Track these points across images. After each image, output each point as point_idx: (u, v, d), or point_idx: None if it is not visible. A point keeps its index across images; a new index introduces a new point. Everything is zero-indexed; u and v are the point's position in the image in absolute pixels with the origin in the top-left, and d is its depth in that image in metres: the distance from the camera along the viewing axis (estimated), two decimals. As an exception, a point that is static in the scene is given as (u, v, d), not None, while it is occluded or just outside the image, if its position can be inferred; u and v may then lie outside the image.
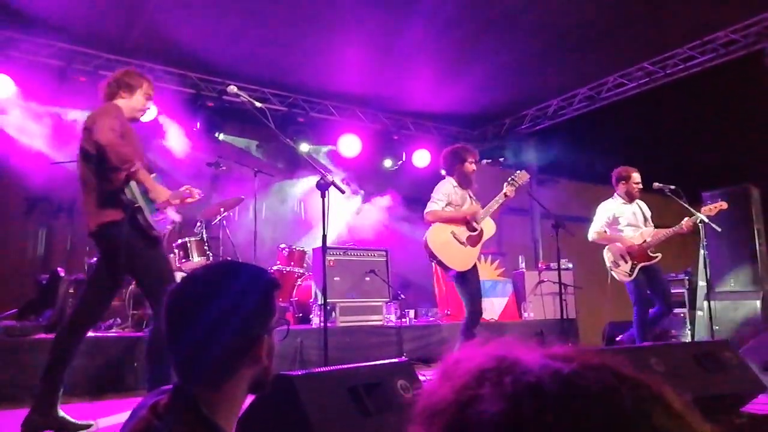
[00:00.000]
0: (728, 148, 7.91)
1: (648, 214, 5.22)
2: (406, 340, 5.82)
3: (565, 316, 5.57)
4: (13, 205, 6.23)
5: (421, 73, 7.13)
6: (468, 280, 4.27)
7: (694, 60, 6.75)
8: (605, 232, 5.15)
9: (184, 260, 5.60)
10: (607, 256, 5.11)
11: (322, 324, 3.68)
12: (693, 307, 6.82)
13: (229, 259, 5.86)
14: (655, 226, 5.13)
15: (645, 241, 4.99)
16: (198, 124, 7.02)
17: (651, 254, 4.97)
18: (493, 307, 7.19)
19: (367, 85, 7.37)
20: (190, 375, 1.16)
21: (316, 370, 2.27)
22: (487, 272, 7.57)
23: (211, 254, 5.68)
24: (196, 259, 5.58)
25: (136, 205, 2.99)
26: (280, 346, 1.30)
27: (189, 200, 3.22)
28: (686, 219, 4.92)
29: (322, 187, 3.32)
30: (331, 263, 5.77)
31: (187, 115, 6.83)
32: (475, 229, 4.36)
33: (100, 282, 3.14)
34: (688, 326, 6.83)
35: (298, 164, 7.73)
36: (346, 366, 2.38)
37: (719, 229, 4.99)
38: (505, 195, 4.41)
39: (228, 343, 1.15)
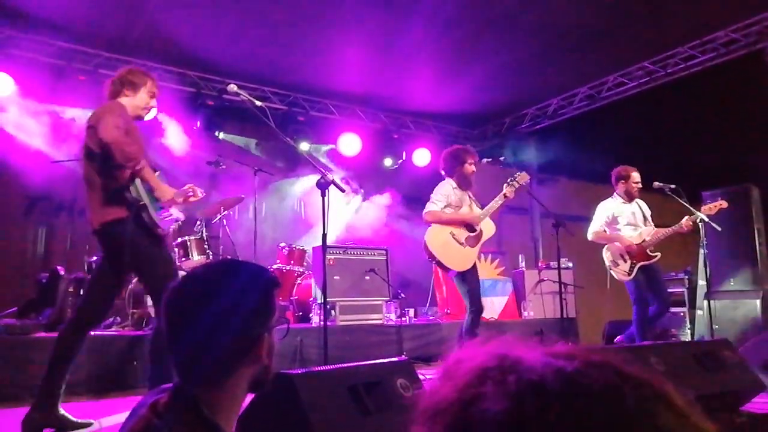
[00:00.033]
0: (728, 147, 7.90)
1: (648, 213, 5.22)
2: (406, 338, 5.82)
3: (565, 316, 5.56)
4: (13, 203, 6.23)
5: (421, 73, 7.13)
6: (468, 280, 4.30)
7: (694, 59, 6.75)
8: (604, 231, 5.15)
9: (183, 259, 5.60)
10: (606, 255, 5.11)
11: (321, 323, 3.68)
12: (693, 306, 6.82)
13: (229, 257, 5.86)
14: (655, 226, 5.13)
15: (644, 240, 4.99)
16: (198, 122, 7.02)
17: (650, 253, 4.97)
18: (493, 306, 7.19)
19: (368, 84, 7.37)
20: (190, 375, 1.16)
21: (316, 368, 2.27)
22: (487, 271, 7.57)
23: (210, 253, 5.68)
24: (196, 258, 5.58)
25: (141, 203, 2.99)
26: (280, 345, 1.30)
27: (192, 199, 3.22)
28: (686, 218, 4.91)
29: (322, 186, 3.32)
30: (331, 262, 5.77)
31: (186, 114, 6.83)
32: (474, 230, 4.37)
33: (103, 280, 3.13)
34: (688, 325, 6.83)
35: (298, 163, 7.73)
36: (345, 365, 2.38)
37: (719, 229, 4.99)
38: (505, 196, 4.42)
39: (228, 343, 1.14)
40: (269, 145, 7.89)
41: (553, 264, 6.84)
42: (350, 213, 8.12)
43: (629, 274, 4.94)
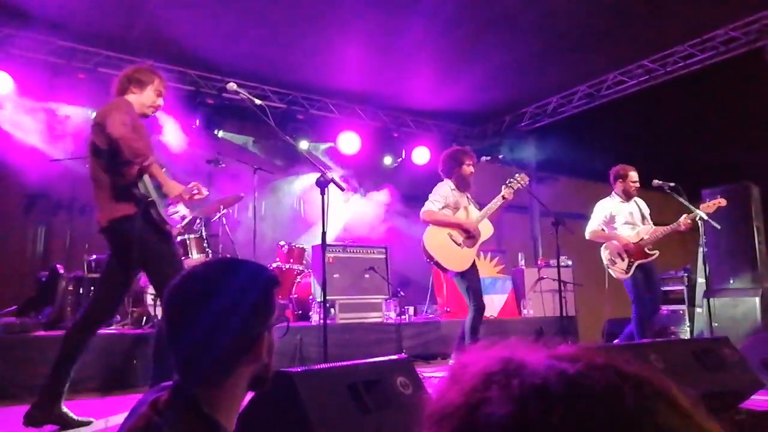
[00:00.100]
0: (728, 145, 7.92)
1: (646, 211, 5.22)
2: (406, 337, 5.83)
3: (564, 314, 5.56)
4: (12, 202, 6.23)
5: (421, 72, 7.12)
6: (467, 278, 4.31)
7: (694, 57, 6.74)
8: (602, 230, 5.15)
9: (183, 257, 5.59)
10: (605, 254, 5.11)
11: (321, 321, 3.68)
12: (692, 304, 6.83)
13: (228, 256, 5.86)
14: (655, 224, 5.13)
15: (642, 239, 4.99)
16: (197, 121, 7.01)
17: (648, 252, 4.97)
18: (492, 304, 7.19)
19: (367, 83, 7.37)
20: (190, 373, 1.16)
21: (316, 367, 2.27)
22: (487, 269, 7.57)
23: (210, 251, 5.68)
24: (195, 257, 5.58)
25: (150, 199, 2.98)
26: (279, 343, 1.30)
27: (197, 197, 3.22)
28: (684, 216, 4.90)
29: (322, 184, 3.32)
30: (331, 260, 5.78)
31: (186, 113, 6.82)
32: (471, 234, 4.38)
33: (112, 278, 3.12)
34: (688, 323, 6.84)
35: (298, 161, 7.73)
36: (345, 363, 2.37)
37: (718, 227, 4.99)
38: (503, 198, 4.42)
39: (228, 341, 1.14)
40: (269, 143, 7.89)
41: (553, 262, 6.85)
42: (349, 211, 8.12)
43: (627, 272, 4.94)
